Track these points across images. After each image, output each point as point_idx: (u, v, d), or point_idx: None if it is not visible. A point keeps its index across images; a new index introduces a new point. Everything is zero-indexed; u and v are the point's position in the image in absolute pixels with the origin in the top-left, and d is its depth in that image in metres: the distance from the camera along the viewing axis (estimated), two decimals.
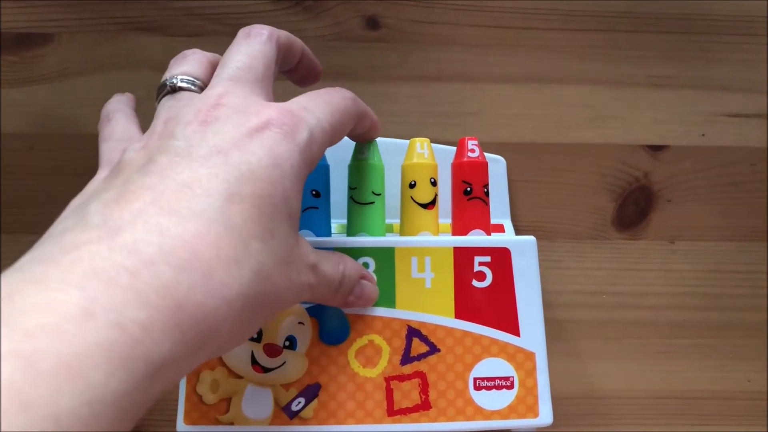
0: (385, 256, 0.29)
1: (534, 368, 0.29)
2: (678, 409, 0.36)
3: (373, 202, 0.30)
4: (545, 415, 0.28)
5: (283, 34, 0.26)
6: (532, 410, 0.28)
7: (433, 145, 0.32)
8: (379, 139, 0.31)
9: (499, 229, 0.34)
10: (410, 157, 0.30)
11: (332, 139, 0.24)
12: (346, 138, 0.27)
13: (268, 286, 0.20)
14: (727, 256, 0.37)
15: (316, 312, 0.28)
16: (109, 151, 0.25)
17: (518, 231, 0.36)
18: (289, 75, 0.29)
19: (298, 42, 0.27)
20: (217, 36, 0.37)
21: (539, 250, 0.35)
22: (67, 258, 0.17)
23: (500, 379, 0.28)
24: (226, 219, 0.19)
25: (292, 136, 0.21)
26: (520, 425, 0.28)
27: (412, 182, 0.30)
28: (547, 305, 0.35)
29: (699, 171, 0.37)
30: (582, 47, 0.37)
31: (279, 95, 0.24)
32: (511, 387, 0.28)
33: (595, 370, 0.36)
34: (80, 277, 0.16)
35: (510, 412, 0.28)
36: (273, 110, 0.22)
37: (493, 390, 0.28)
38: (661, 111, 0.37)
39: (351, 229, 0.30)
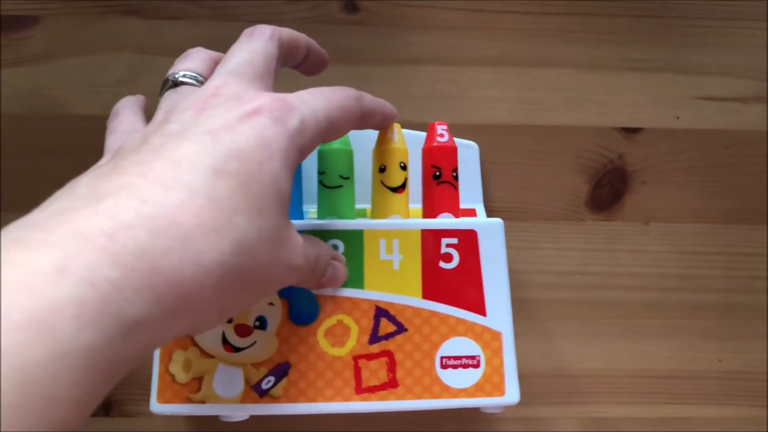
0: (354, 239, 0.29)
1: (500, 347, 0.29)
2: (650, 388, 0.36)
3: (341, 186, 0.30)
4: (512, 393, 0.29)
5: (286, 33, 0.27)
6: (499, 389, 0.29)
7: (406, 130, 0.33)
8: None
9: (471, 213, 0.35)
10: (380, 141, 0.31)
11: (328, 132, 0.25)
12: None
13: (252, 260, 0.21)
14: (700, 237, 0.37)
15: (286, 293, 0.29)
16: (113, 142, 0.25)
17: (493, 212, 0.36)
18: (297, 68, 0.29)
19: (302, 38, 0.28)
20: (198, 19, 0.37)
21: (513, 231, 0.36)
22: (49, 222, 0.17)
23: (467, 358, 0.29)
24: (210, 191, 0.20)
25: (281, 122, 0.22)
26: (487, 403, 0.29)
27: (382, 167, 0.30)
28: (521, 285, 0.36)
29: (673, 153, 0.37)
30: (559, 31, 0.37)
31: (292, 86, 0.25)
32: (477, 366, 0.29)
33: (568, 349, 0.36)
34: (58, 238, 0.17)
35: (476, 390, 0.29)
36: (266, 98, 0.23)
37: (460, 369, 0.29)
38: (636, 94, 0.38)
39: (320, 213, 0.30)
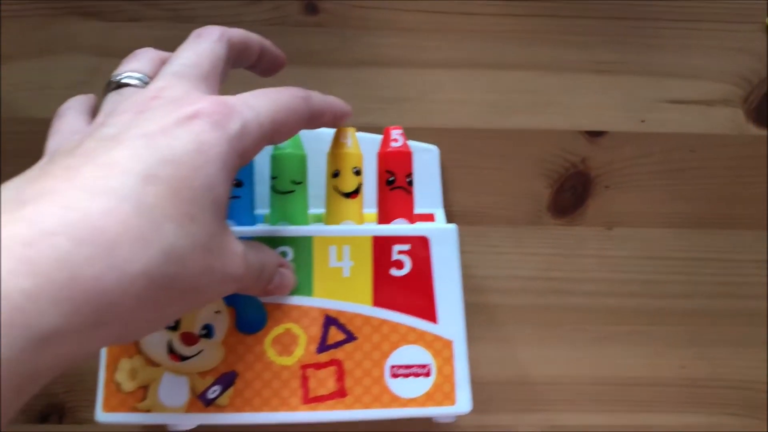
0: (304, 245, 0.29)
1: (451, 356, 0.29)
2: (612, 395, 0.36)
3: (293, 191, 0.30)
4: (463, 402, 0.29)
5: (236, 34, 0.26)
6: (449, 398, 0.29)
7: (366, 134, 0.32)
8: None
9: (430, 218, 0.34)
10: (334, 146, 0.30)
11: (274, 134, 0.24)
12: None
13: (182, 269, 0.20)
14: (664, 242, 0.37)
15: (233, 301, 0.28)
16: (53, 144, 0.25)
17: (454, 216, 0.36)
18: (252, 69, 0.29)
19: (254, 39, 0.27)
20: (155, 21, 0.36)
21: (474, 236, 0.36)
22: None
23: (417, 366, 0.29)
24: (138, 198, 0.19)
25: (221, 126, 0.21)
26: (437, 413, 0.29)
27: (336, 171, 0.30)
28: (482, 290, 0.36)
29: (638, 157, 0.37)
30: (523, 32, 0.37)
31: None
32: (428, 375, 0.29)
33: (529, 355, 0.36)
34: None
35: (427, 399, 0.28)
36: (206, 101, 0.22)
37: (410, 377, 0.28)
38: (601, 97, 0.37)
39: (273, 218, 0.30)
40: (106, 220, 0.18)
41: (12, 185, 0.19)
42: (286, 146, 0.30)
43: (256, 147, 0.23)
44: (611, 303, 0.36)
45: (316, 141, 0.31)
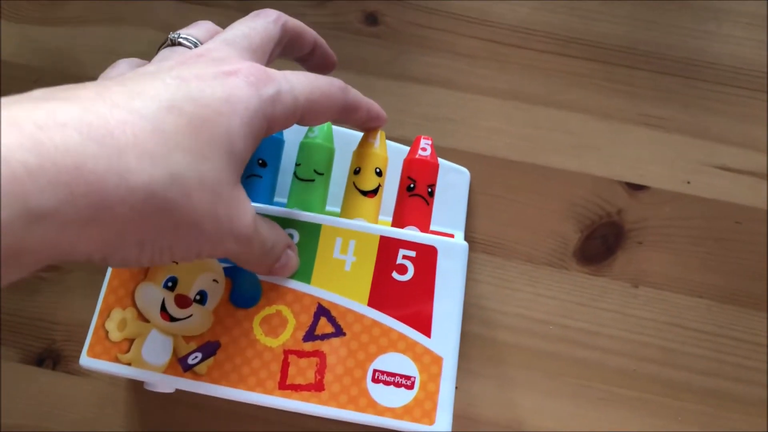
0: (311, 232, 0.29)
1: (439, 374, 0.28)
2: None
3: (314, 180, 0.30)
4: (442, 424, 0.27)
5: (292, 21, 0.27)
6: (428, 416, 0.27)
7: (402, 145, 0.32)
8: (343, 129, 0.31)
9: (448, 237, 0.33)
10: (360, 145, 0.30)
11: (306, 112, 0.24)
12: None
13: (185, 200, 0.20)
14: (693, 312, 0.34)
15: (233, 273, 0.28)
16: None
17: (473, 242, 0.35)
18: (303, 63, 0.30)
19: (309, 32, 0.29)
20: (225, 9, 0.39)
21: (490, 267, 0.35)
22: None
23: (401, 376, 0.28)
24: (156, 121, 0.20)
25: (256, 87, 0.22)
26: (413, 429, 0.27)
27: (357, 169, 0.30)
28: (490, 324, 0.34)
29: (678, 218, 0.35)
30: (574, 74, 0.36)
31: None
32: (411, 387, 0.28)
33: (527, 401, 0.34)
34: None
35: (404, 413, 0.27)
36: (248, 64, 0.23)
37: (392, 386, 0.27)
38: (647, 150, 0.36)
39: (289, 203, 0.30)
40: (120, 129, 0.19)
41: (46, 89, 0.20)
42: (316, 136, 0.30)
43: (286, 119, 0.24)
44: (625, 364, 0.34)
45: (349, 144, 0.31)
